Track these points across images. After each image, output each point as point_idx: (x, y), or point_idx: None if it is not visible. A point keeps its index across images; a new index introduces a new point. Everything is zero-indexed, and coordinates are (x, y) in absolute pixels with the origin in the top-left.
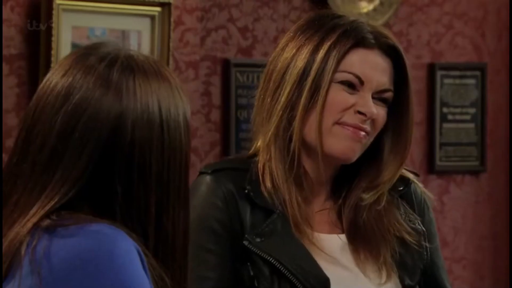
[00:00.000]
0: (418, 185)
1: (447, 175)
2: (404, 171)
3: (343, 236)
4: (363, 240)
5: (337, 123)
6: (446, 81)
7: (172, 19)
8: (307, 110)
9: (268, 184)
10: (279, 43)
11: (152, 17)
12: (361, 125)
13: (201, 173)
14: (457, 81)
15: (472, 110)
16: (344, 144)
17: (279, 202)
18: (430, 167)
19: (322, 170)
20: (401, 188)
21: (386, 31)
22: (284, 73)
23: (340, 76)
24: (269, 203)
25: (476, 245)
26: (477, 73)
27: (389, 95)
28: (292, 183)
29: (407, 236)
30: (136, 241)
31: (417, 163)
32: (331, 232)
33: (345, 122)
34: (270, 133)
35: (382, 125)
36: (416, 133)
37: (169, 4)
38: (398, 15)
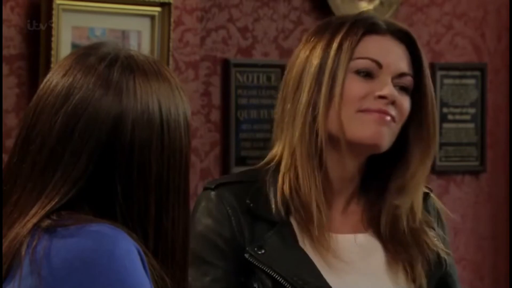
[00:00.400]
0: (436, 200)
1: (447, 175)
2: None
3: (360, 236)
4: (401, 250)
5: (360, 110)
6: (446, 81)
7: (172, 19)
8: (329, 104)
9: (286, 188)
10: (292, 55)
11: (152, 17)
12: (384, 108)
13: (205, 188)
14: (457, 81)
15: (472, 110)
16: (371, 129)
17: (284, 209)
18: (430, 167)
19: (347, 163)
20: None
21: (395, 21)
22: (301, 75)
23: (356, 64)
24: (273, 214)
25: (476, 245)
26: (477, 73)
27: (409, 80)
28: (320, 184)
29: (437, 248)
30: (136, 241)
31: None
32: (350, 232)
33: (368, 108)
34: (297, 133)
35: (407, 113)
36: None
37: (169, 4)
38: (398, 15)
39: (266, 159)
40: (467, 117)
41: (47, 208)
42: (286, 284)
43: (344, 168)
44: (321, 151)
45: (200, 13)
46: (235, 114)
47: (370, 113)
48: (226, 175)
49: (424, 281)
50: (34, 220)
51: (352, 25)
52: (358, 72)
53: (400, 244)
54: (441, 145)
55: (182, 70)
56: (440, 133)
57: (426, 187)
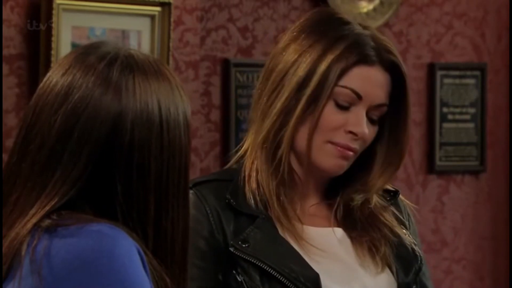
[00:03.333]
0: (403, 200)
1: (447, 175)
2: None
3: (339, 230)
4: (361, 232)
5: (328, 141)
6: (446, 81)
7: (172, 19)
8: (301, 120)
9: (253, 185)
10: (280, 39)
11: (152, 17)
12: (350, 145)
13: None
14: (457, 81)
15: (472, 110)
16: (333, 162)
17: (263, 204)
18: (430, 167)
19: (311, 176)
20: (389, 199)
21: (389, 45)
22: (284, 76)
23: (338, 91)
24: (253, 208)
25: (476, 245)
26: (477, 73)
27: (384, 109)
28: (276, 187)
29: (401, 232)
30: (136, 241)
31: (417, 163)
32: (325, 225)
33: (336, 142)
34: (261, 135)
35: (370, 142)
36: (416, 133)
37: (169, 4)
38: (398, 15)
39: (238, 154)
40: (467, 117)
41: (47, 208)
42: (274, 273)
43: (309, 177)
44: (280, 159)
45: (200, 13)
46: (235, 114)
47: (335, 147)
48: (201, 175)
49: (392, 261)
50: (34, 220)
51: (346, 50)
52: (337, 102)
53: (362, 229)
54: (441, 145)
55: (182, 70)
56: (440, 133)
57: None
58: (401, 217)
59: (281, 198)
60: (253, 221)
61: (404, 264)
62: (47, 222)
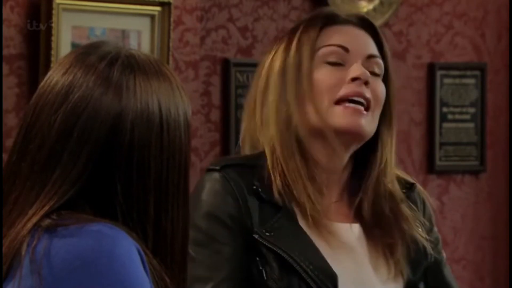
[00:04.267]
0: (421, 190)
1: (447, 175)
2: (404, 174)
3: (356, 226)
4: (382, 234)
5: (336, 102)
6: (446, 81)
7: (172, 19)
8: (300, 99)
9: (279, 183)
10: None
11: (152, 17)
12: (359, 90)
13: (209, 170)
14: (457, 81)
15: (472, 110)
16: (348, 119)
17: (289, 200)
18: (430, 167)
19: (335, 152)
20: (405, 191)
21: (361, 14)
22: (267, 80)
23: (323, 53)
24: (278, 199)
25: (476, 245)
26: (477, 73)
27: (378, 61)
28: (306, 177)
29: (415, 228)
30: (136, 241)
31: (417, 163)
32: (346, 221)
33: (344, 96)
34: (273, 132)
35: (383, 96)
36: (416, 133)
37: (169, 3)
38: (398, 15)
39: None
40: (467, 117)
41: (46, 207)
42: (295, 266)
43: (332, 158)
44: (303, 145)
45: (200, 12)
46: (235, 113)
47: (345, 107)
48: (226, 156)
49: (404, 266)
50: (34, 219)
51: (310, 21)
52: (326, 62)
53: (381, 228)
54: (441, 144)
55: (182, 69)
56: (440, 133)
57: (411, 178)
58: (416, 211)
59: (311, 193)
60: (277, 211)
61: (413, 263)
62: (47, 222)
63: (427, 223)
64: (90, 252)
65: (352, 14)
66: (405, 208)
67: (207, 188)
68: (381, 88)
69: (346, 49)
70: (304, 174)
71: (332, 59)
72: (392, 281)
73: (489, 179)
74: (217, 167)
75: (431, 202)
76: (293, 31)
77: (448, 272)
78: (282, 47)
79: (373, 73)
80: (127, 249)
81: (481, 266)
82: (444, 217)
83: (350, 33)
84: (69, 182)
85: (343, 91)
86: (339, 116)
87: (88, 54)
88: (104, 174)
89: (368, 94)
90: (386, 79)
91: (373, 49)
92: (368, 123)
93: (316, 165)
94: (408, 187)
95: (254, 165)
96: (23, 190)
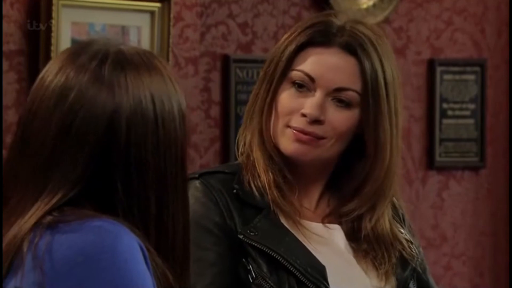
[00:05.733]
0: (396, 201)
1: (447, 171)
2: None
3: (338, 227)
4: (364, 247)
5: (287, 126)
6: (446, 77)
7: (171, 15)
8: (267, 113)
9: (257, 185)
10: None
11: (152, 13)
12: (305, 128)
13: (189, 179)
14: (457, 77)
15: (472, 106)
16: (292, 146)
17: (267, 199)
18: (429, 163)
19: (308, 171)
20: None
21: (362, 28)
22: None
23: (292, 75)
24: (259, 201)
25: (476, 241)
26: (477, 69)
27: (349, 94)
28: (275, 182)
29: (399, 232)
30: (139, 237)
31: (417, 159)
32: (328, 222)
33: (291, 126)
34: (250, 137)
35: (342, 128)
36: (416, 129)
37: (168, 0)
38: (398, 11)
39: (240, 153)
40: (467, 113)
41: (48, 206)
42: (283, 262)
43: (302, 170)
44: (271, 155)
45: (200, 8)
46: (235, 109)
47: (292, 131)
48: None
49: (394, 262)
50: (35, 217)
51: (303, 31)
52: (294, 82)
53: (364, 241)
54: (441, 140)
55: (182, 65)
56: (440, 129)
57: None
58: (397, 217)
59: (282, 193)
60: (259, 212)
61: (402, 261)
62: (48, 218)
63: (408, 232)
64: (92, 248)
65: (351, 33)
66: (388, 211)
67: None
68: (340, 120)
69: (312, 79)
70: (277, 180)
71: (299, 81)
72: (383, 275)
73: (489, 175)
74: (196, 175)
75: (407, 216)
76: (289, 33)
77: (433, 281)
78: (276, 46)
79: (340, 104)
80: (129, 245)
81: (481, 262)
82: (444, 213)
83: (325, 61)
84: (70, 182)
85: (293, 123)
86: (287, 140)
87: (78, 55)
88: (103, 173)
89: (317, 130)
90: (370, 111)
91: (344, 81)
92: (315, 151)
93: (294, 170)
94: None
95: (233, 172)
96: (26, 192)
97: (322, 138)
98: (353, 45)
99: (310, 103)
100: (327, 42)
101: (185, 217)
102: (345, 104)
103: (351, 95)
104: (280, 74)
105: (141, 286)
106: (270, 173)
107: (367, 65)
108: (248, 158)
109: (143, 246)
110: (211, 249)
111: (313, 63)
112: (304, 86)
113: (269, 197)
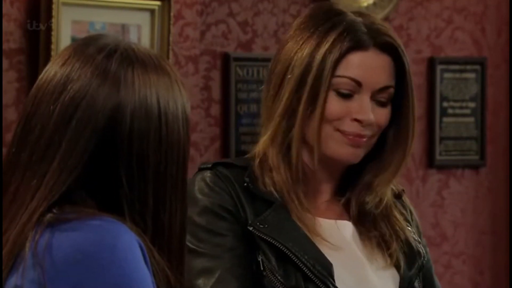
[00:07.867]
0: (407, 200)
1: (447, 169)
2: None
3: (349, 224)
4: (371, 228)
5: (337, 130)
6: (446, 75)
7: (172, 13)
8: (307, 118)
9: (269, 181)
10: (282, 41)
11: (152, 11)
12: (360, 132)
13: (200, 169)
14: (457, 75)
15: (472, 105)
16: (345, 150)
17: (281, 196)
18: (430, 162)
19: (325, 170)
20: (395, 200)
21: (384, 27)
22: (283, 77)
23: (337, 82)
24: (269, 195)
25: (476, 240)
26: (477, 67)
27: (389, 92)
28: (291, 184)
29: (407, 229)
30: (138, 235)
31: (417, 157)
32: (336, 219)
33: (344, 130)
34: (267, 137)
35: (385, 124)
36: (416, 127)
37: None
38: (398, 9)
39: (251, 153)
40: (467, 111)
41: (47, 200)
42: (291, 256)
43: (321, 171)
44: (292, 158)
45: (200, 7)
46: (235, 108)
47: (345, 135)
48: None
49: (400, 257)
50: (37, 215)
51: (338, 39)
52: (338, 91)
53: (374, 227)
54: (441, 139)
55: (182, 64)
56: (440, 127)
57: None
58: (406, 215)
59: (296, 193)
60: (269, 206)
61: (408, 259)
62: (49, 216)
63: (415, 231)
64: (91, 246)
65: (378, 33)
66: (395, 211)
67: (200, 185)
68: (383, 118)
69: (359, 83)
70: (290, 182)
71: (343, 90)
72: (389, 268)
73: (489, 173)
74: (209, 165)
75: (416, 214)
76: (322, 35)
77: (438, 282)
78: (308, 47)
79: (380, 103)
80: (128, 243)
81: (481, 260)
82: (444, 211)
83: (368, 64)
84: (67, 171)
85: (345, 128)
86: (338, 144)
87: (87, 46)
88: (104, 166)
89: (369, 132)
90: (406, 101)
91: (386, 80)
92: (365, 150)
93: (307, 172)
94: (396, 195)
95: (244, 166)
96: (23, 181)
97: (372, 137)
98: (387, 44)
99: (360, 108)
100: (363, 44)
101: (183, 216)
102: (384, 103)
103: (391, 92)
104: (327, 85)
105: (141, 284)
106: (283, 170)
107: (404, 60)
108: (263, 154)
109: (142, 244)
110: (228, 235)
111: (357, 67)
112: (348, 94)
113: (282, 192)
